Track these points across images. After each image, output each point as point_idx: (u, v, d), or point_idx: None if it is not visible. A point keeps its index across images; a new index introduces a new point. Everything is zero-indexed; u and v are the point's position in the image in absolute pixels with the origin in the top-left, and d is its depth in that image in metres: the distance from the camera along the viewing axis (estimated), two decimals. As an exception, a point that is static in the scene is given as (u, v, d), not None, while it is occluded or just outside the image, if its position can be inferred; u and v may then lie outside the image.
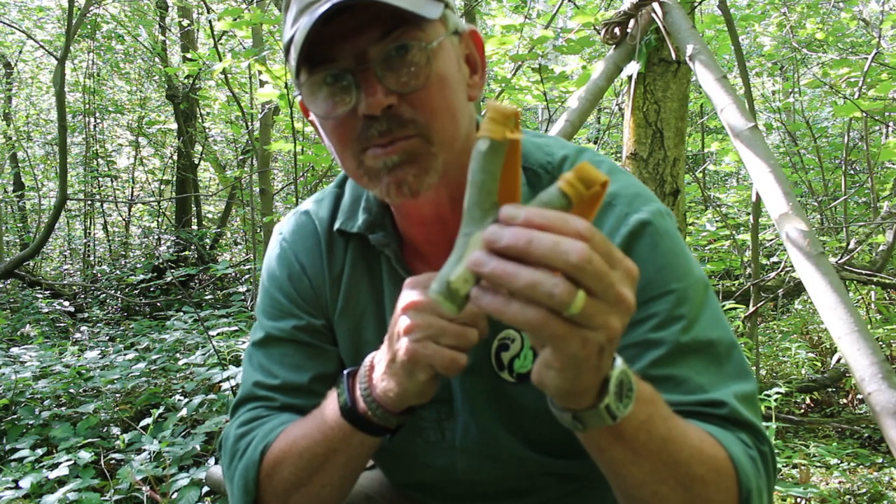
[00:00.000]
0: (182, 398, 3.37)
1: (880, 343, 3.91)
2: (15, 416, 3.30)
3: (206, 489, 2.46)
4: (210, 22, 4.53)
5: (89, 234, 9.15)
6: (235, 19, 3.51)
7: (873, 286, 4.48)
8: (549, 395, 0.70)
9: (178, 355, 4.18)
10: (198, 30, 8.30)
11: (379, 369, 0.85)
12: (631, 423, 0.71)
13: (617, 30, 2.84)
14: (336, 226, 1.05)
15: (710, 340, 0.88)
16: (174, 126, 8.56)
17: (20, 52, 9.33)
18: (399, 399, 0.84)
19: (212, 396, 3.22)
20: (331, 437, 0.90)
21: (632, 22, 2.80)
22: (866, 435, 3.34)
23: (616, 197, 0.93)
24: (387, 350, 0.84)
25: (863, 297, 4.70)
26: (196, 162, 8.62)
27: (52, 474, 2.52)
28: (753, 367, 3.62)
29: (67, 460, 2.63)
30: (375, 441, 0.90)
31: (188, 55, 4.21)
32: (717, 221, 5.18)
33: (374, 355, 0.89)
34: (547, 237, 0.56)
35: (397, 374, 0.82)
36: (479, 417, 1.00)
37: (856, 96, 4.09)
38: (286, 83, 3.61)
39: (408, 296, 0.81)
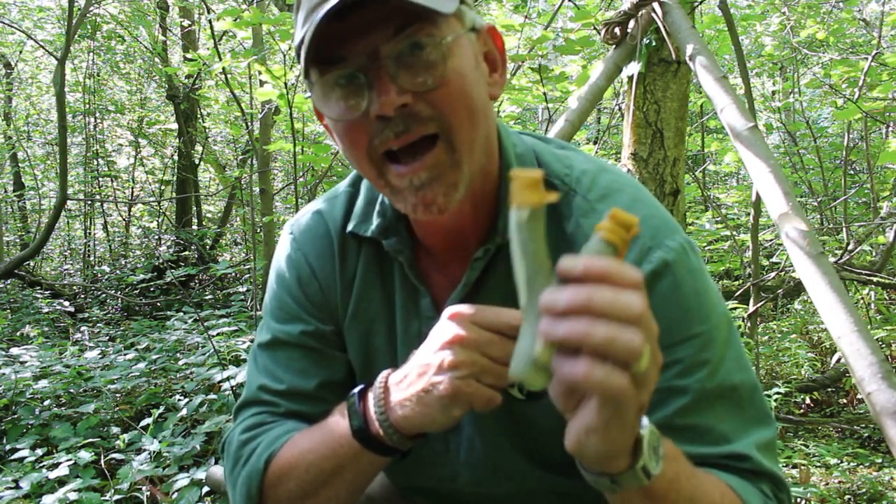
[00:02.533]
0: (182, 398, 3.38)
1: (880, 343, 3.90)
2: (15, 416, 3.30)
3: (206, 489, 2.46)
4: (210, 22, 4.53)
5: (89, 234, 9.14)
6: (235, 19, 3.51)
7: (873, 286, 4.48)
8: (586, 462, 0.70)
9: (178, 355, 4.18)
10: (199, 30, 8.30)
11: (400, 395, 0.83)
12: (661, 482, 0.71)
13: (617, 30, 2.84)
14: (349, 228, 1.01)
15: (734, 385, 0.87)
16: (174, 126, 8.56)
17: (20, 52, 9.33)
18: (421, 427, 0.82)
19: (212, 396, 3.22)
20: (340, 454, 0.89)
21: (632, 22, 2.80)
22: (866, 435, 3.34)
23: (639, 227, 0.91)
24: (416, 378, 0.81)
25: (863, 298, 4.70)
26: (196, 162, 8.62)
27: (53, 474, 2.52)
28: (753, 367, 3.61)
29: (67, 460, 2.63)
30: (385, 460, 0.89)
31: (188, 55, 4.21)
32: (717, 222, 5.18)
33: (389, 376, 0.87)
34: (605, 291, 0.57)
35: (430, 405, 0.80)
36: (485, 432, 0.98)
37: (856, 97, 4.09)
38: (286, 83, 3.61)
39: (451, 329, 0.78)
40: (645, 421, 0.68)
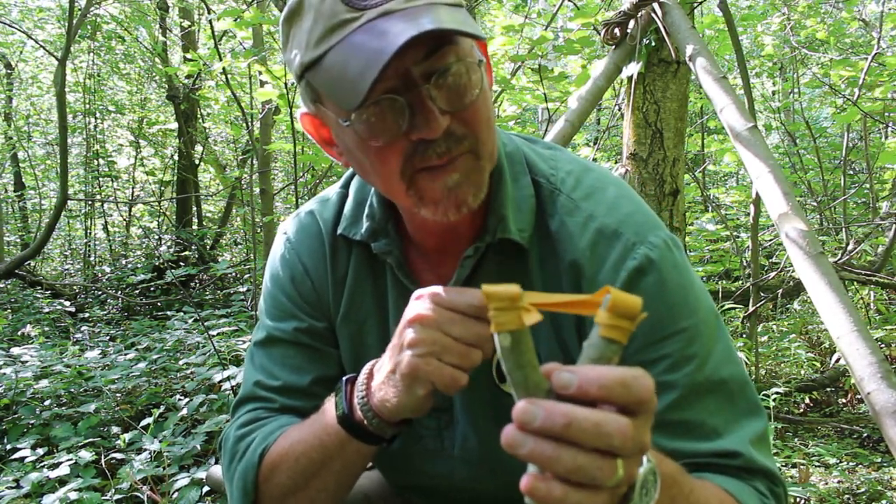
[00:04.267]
0: (182, 398, 3.38)
1: (879, 343, 3.91)
2: (16, 416, 3.31)
3: (206, 489, 2.46)
4: (210, 22, 4.54)
5: (90, 234, 9.15)
6: (236, 19, 3.52)
7: (872, 286, 4.49)
8: None
9: (178, 355, 4.19)
10: (199, 31, 8.30)
11: (378, 378, 0.84)
12: None
13: (617, 30, 2.85)
14: (339, 231, 1.03)
15: (723, 378, 0.88)
16: (174, 126, 8.56)
17: (21, 52, 9.33)
18: (395, 410, 0.83)
19: (212, 396, 3.22)
20: (327, 443, 0.90)
21: (632, 22, 2.81)
22: (865, 434, 3.34)
23: (623, 224, 0.91)
24: (389, 360, 0.83)
25: (862, 298, 4.70)
26: (196, 162, 8.62)
27: (53, 474, 2.53)
28: (753, 367, 3.62)
29: (68, 460, 2.63)
30: (371, 449, 0.90)
31: (188, 55, 4.22)
32: (716, 223, 5.19)
33: (375, 363, 0.88)
34: (588, 420, 0.53)
35: (396, 386, 0.81)
36: (478, 428, 0.99)
37: (855, 97, 4.10)
38: (286, 83, 3.61)
39: (414, 308, 0.79)
40: (643, 460, 0.65)
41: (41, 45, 6.62)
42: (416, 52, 0.79)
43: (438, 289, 0.79)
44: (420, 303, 0.79)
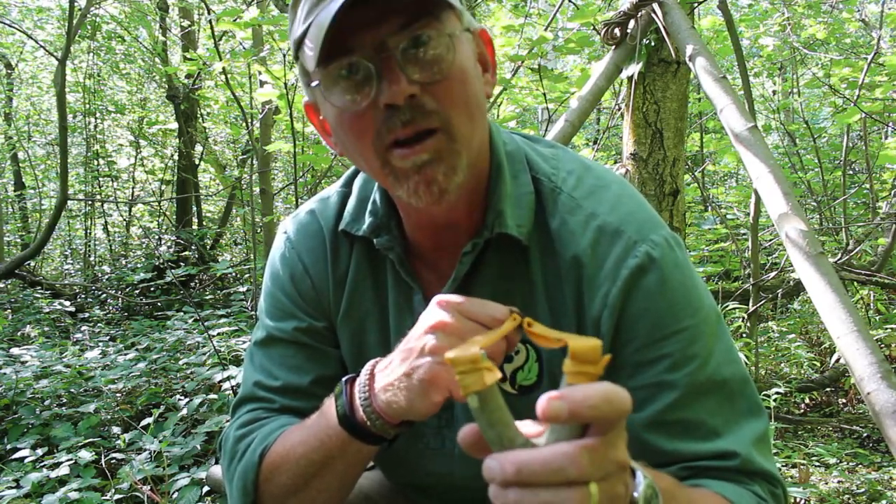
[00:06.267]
0: (182, 398, 3.38)
1: (880, 343, 3.91)
2: (16, 416, 3.31)
3: (206, 489, 2.46)
4: (210, 22, 4.54)
5: (90, 234, 9.15)
6: (235, 19, 3.52)
7: (872, 286, 4.49)
8: None
9: (178, 355, 4.19)
10: (199, 31, 8.30)
11: (384, 380, 0.84)
12: None
13: (617, 30, 2.85)
14: (341, 227, 1.03)
15: (724, 378, 0.88)
16: (174, 126, 8.56)
17: (21, 52, 9.33)
18: (403, 413, 0.83)
19: (212, 396, 3.22)
20: (328, 444, 0.89)
21: (632, 22, 2.81)
22: (865, 434, 3.34)
23: (625, 222, 0.91)
24: (401, 363, 0.82)
25: (862, 298, 4.70)
26: (196, 162, 8.62)
27: (53, 474, 2.53)
28: (753, 367, 3.62)
29: (68, 460, 2.63)
30: (372, 450, 0.90)
31: (188, 55, 4.22)
32: (717, 223, 5.19)
33: (376, 363, 0.87)
34: (536, 461, 0.55)
35: (410, 390, 0.80)
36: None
37: (855, 97, 4.10)
38: (286, 83, 3.61)
39: (437, 315, 0.79)
40: (640, 479, 0.65)
41: (41, 45, 6.62)
42: (391, 23, 0.80)
43: (461, 297, 0.79)
44: (443, 311, 0.79)
